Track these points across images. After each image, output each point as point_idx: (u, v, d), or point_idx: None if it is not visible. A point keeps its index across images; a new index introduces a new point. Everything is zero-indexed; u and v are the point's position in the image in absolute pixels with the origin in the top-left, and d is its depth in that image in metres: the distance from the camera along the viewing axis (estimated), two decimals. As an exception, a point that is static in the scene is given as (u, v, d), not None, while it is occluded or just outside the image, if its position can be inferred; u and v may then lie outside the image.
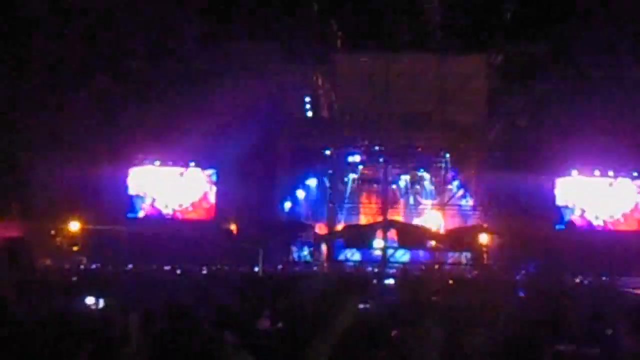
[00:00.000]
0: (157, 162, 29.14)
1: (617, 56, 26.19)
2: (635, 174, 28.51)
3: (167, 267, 23.28)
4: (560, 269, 21.31)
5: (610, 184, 28.56)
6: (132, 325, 5.71)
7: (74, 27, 24.85)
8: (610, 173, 28.49)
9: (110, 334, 5.78)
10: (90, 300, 7.57)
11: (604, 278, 21.56)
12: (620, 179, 28.51)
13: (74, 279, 15.95)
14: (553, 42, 26.68)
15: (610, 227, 28.51)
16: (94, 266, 24.43)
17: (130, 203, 29.34)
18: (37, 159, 25.69)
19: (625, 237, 27.16)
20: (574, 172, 28.56)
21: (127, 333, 5.61)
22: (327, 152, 30.74)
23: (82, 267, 24.53)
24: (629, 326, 7.07)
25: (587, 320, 8.83)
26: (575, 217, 28.45)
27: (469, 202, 31.38)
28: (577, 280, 21.59)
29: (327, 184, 31.23)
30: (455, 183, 31.78)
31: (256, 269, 24.72)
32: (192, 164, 29.15)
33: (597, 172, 28.49)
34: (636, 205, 28.50)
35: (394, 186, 31.74)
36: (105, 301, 7.51)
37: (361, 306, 9.74)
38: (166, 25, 25.11)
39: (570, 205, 28.72)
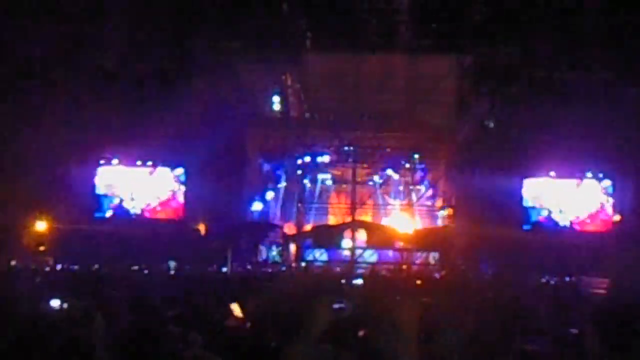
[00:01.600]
0: (125, 162, 28.94)
1: (584, 59, 26.48)
2: (601, 175, 28.83)
3: (134, 267, 23.13)
4: (527, 269, 21.50)
5: (577, 185, 28.87)
6: (97, 326, 5.66)
7: (42, 25, 24.61)
8: (577, 174, 28.79)
9: (75, 335, 5.72)
10: (55, 302, 7.48)
11: (569, 278, 21.79)
12: (586, 181, 28.82)
13: (38, 279, 15.78)
14: (522, 44, 26.89)
15: (576, 227, 28.80)
16: (59, 266, 24.19)
17: (98, 202, 29.09)
18: (2, 157, 25.37)
19: (591, 238, 27.45)
20: (541, 173, 28.82)
21: (92, 334, 5.56)
22: (296, 152, 30.71)
23: (47, 267, 24.28)
24: (592, 326, 7.15)
25: (553, 320, 8.91)
26: (542, 218, 28.71)
27: (437, 202, 31.52)
28: (543, 280, 21.79)
29: (296, 184, 31.20)
30: (424, 183, 31.90)
31: (224, 269, 24.66)
32: (161, 163, 28.96)
33: (564, 174, 28.78)
34: (602, 206, 28.84)
35: (363, 186, 31.78)
36: (69, 303, 7.42)
37: (336, 306, 9.75)
38: (134, 24, 24.92)
39: (537, 206, 28.99)
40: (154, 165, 29.04)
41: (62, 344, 5.56)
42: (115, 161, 28.95)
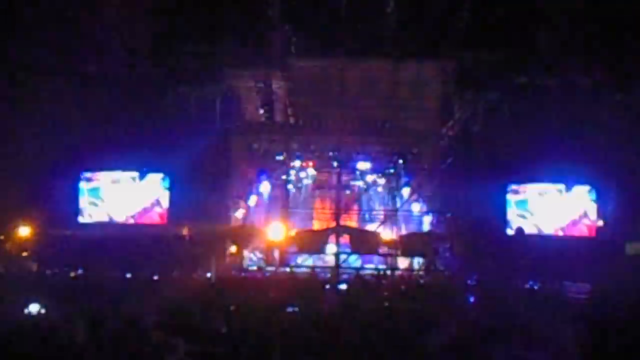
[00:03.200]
0: (109, 167, 28.79)
1: (568, 65, 26.62)
2: (584, 181, 28.90)
3: (117, 273, 23.00)
4: (510, 275, 21.56)
5: (561, 191, 28.97)
6: (77, 331, 5.61)
7: (25, 31, 24.52)
8: (561, 180, 28.87)
9: (54, 341, 5.67)
10: (34, 307, 7.43)
11: (552, 283, 21.87)
12: (570, 186, 28.92)
13: (20, 285, 15.69)
14: (506, 50, 27.01)
15: (560, 233, 28.90)
16: (42, 272, 24.03)
17: (82, 208, 28.92)
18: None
19: (574, 244, 27.55)
20: (525, 179, 28.90)
21: (73, 339, 5.51)
22: (281, 157, 30.70)
23: (30, 272, 24.13)
24: (574, 331, 7.19)
25: (536, 326, 8.95)
26: (525, 223, 28.77)
27: (422, 207, 31.57)
28: (526, 286, 21.87)
29: (280, 189, 31.18)
30: (408, 189, 31.94)
31: (209, 275, 24.58)
32: (145, 169, 28.82)
33: (547, 179, 28.87)
34: (585, 212, 28.95)
35: (347, 192, 31.82)
36: (49, 308, 7.38)
37: (289, 309, 9.82)
38: (117, 27, 24.85)
39: (521, 212, 29.06)
40: (138, 171, 28.91)
41: (41, 349, 5.52)
42: (99, 166, 28.80)
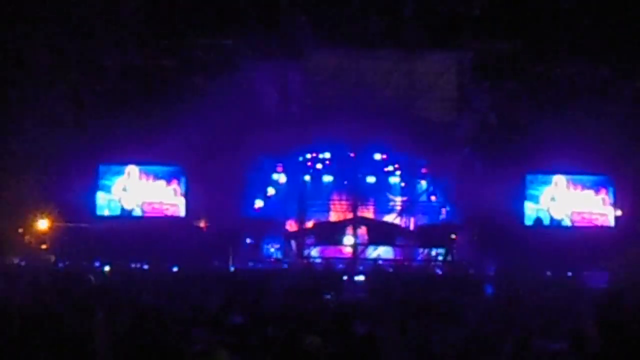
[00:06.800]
0: (126, 160, 28.86)
1: (587, 54, 26.41)
2: (603, 171, 28.73)
3: (135, 265, 23.12)
4: (529, 265, 21.49)
5: (579, 181, 28.80)
6: (97, 324, 5.63)
7: (43, 24, 24.58)
8: (579, 170, 28.70)
9: (75, 333, 5.69)
10: (53, 298, 7.47)
11: (570, 274, 21.79)
12: (587, 176, 28.75)
13: (41, 277, 15.79)
14: (524, 40, 26.84)
15: (578, 223, 28.74)
16: (61, 264, 24.21)
17: (100, 201, 29.02)
18: (3, 156, 25.37)
19: (592, 233, 27.42)
20: (543, 169, 28.75)
21: (92, 332, 5.52)
22: (298, 149, 30.68)
23: (49, 265, 24.31)
24: (593, 321, 7.15)
25: (555, 316, 8.91)
26: (543, 214, 28.65)
27: (439, 198, 31.49)
28: (545, 276, 21.81)
29: (297, 180, 31.18)
30: (425, 180, 31.86)
31: (226, 267, 24.67)
32: (161, 161, 28.80)
33: (566, 169, 28.71)
34: (603, 201, 28.78)
35: (364, 183, 31.77)
36: (67, 299, 7.42)
37: (328, 296, 9.84)
38: (134, 21, 24.88)
39: (539, 202, 28.91)
40: (154, 163, 28.93)
41: (58, 340, 5.54)
42: (116, 159, 28.89)
